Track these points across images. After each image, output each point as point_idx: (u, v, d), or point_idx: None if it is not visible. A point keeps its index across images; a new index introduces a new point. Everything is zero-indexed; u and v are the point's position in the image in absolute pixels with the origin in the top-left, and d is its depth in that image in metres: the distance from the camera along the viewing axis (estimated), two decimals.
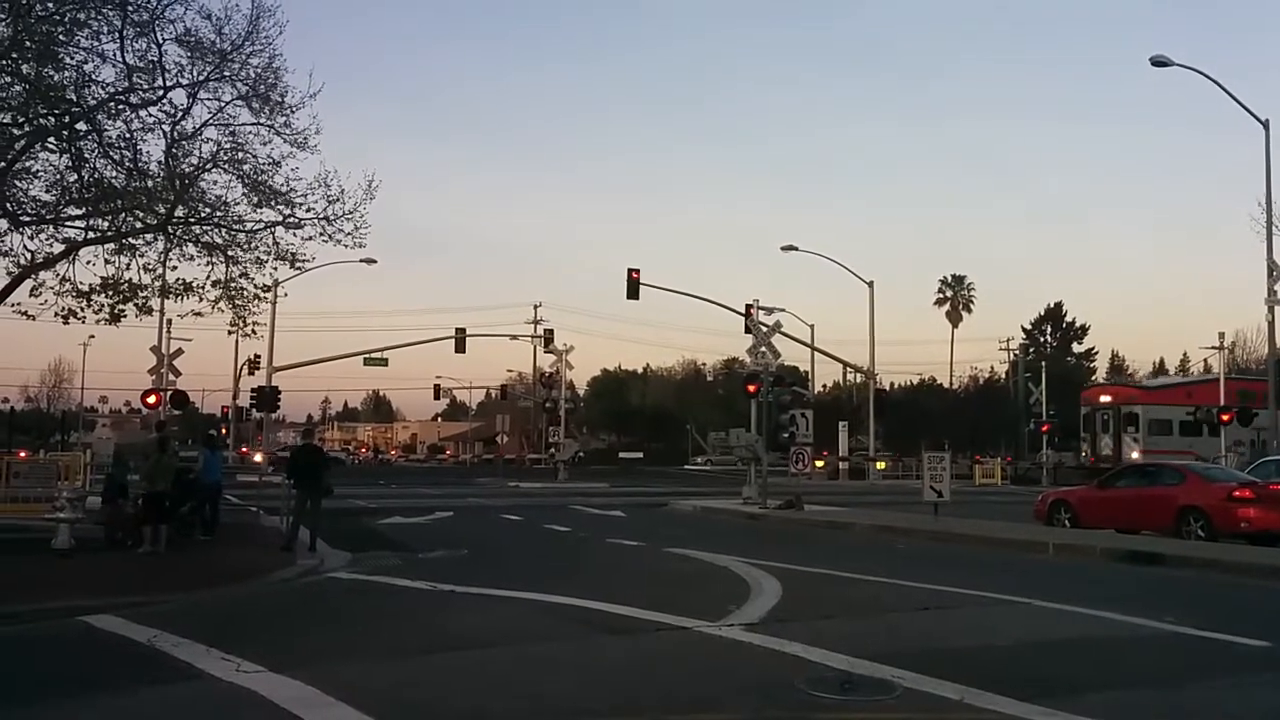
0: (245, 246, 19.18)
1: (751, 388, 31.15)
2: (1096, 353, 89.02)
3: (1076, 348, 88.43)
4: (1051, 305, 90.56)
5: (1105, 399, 55.47)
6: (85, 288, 18.67)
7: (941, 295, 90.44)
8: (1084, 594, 13.30)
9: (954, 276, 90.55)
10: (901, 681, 8.30)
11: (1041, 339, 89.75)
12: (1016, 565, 17.19)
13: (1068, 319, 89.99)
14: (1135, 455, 47.38)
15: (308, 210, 18.99)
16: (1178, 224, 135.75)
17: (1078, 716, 7.37)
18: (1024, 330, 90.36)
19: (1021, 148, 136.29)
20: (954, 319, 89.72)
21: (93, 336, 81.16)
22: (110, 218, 18.37)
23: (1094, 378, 77.97)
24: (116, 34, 16.90)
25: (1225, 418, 43.78)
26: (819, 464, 52.03)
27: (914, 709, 7.78)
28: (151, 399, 32.32)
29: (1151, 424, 51.29)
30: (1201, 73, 27.04)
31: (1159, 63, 26.77)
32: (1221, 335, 51.33)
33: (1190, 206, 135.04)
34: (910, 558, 18.05)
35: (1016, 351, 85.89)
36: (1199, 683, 8.93)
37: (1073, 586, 14.34)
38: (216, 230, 19.00)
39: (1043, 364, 73.91)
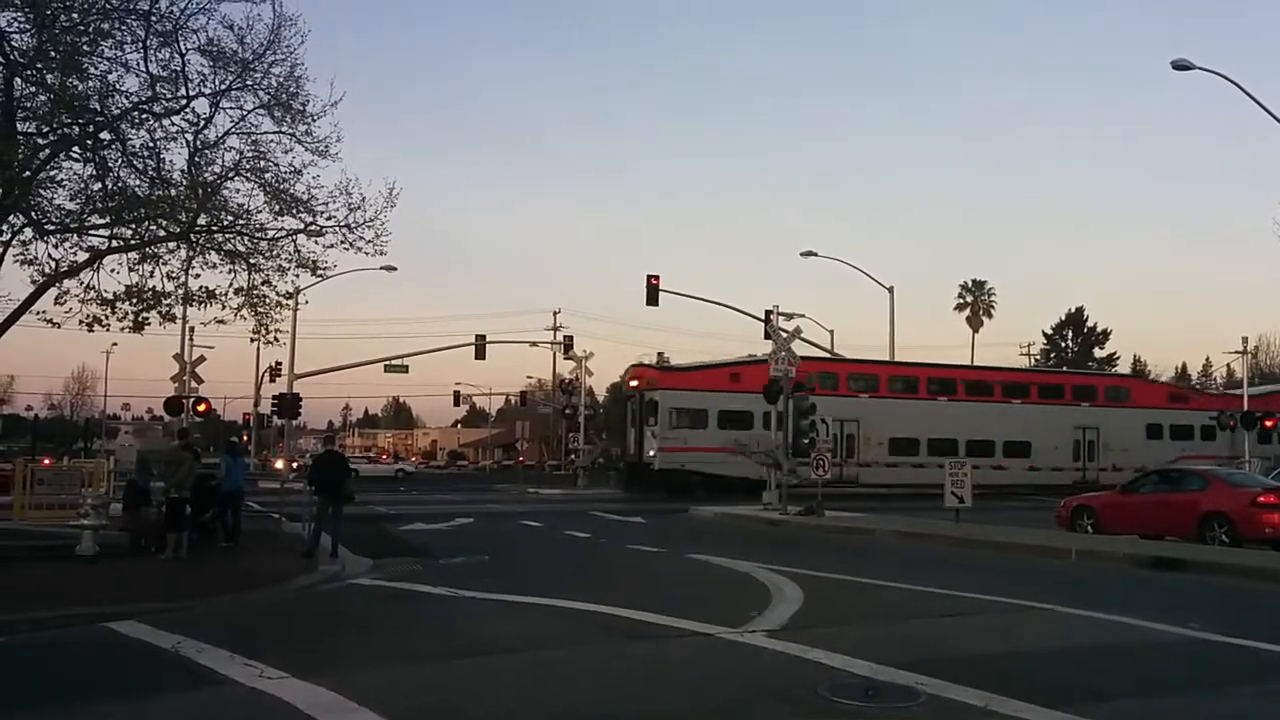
0: (267, 254, 19.30)
1: (770, 394, 31.13)
2: (1118, 358, 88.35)
3: (1098, 353, 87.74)
4: (1073, 310, 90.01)
5: (634, 383, 45.81)
6: (109, 296, 18.82)
7: (962, 300, 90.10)
8: (1107, 600, 13.22)
9: (974, 281, 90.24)
10: (924, 688, 8.27)
11: (1063, 344, 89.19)
12: (1038, 571, 17.09)
13: (1089, 324, 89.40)
14: (652, 452, 41.83)
15: (329, 218, 19.11)
16: (1200, 228, 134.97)
17: None
18: (1045, 335, 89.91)
19: (1041, 152, 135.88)
20: (974, 324, 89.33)
21: (116, 344, 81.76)
22: (134, 226, 18.51)
23: None
24: (140, 44, 17.05)
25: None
26: None
27: (937, 716, 7.75)
28: (200, 406, 32.59)
29: (676, 414, 42.20)
30: (1224, 76, 26.84)
31: (1181, 66, 26.56)
32: (1245, 340, 50.97)
33: (1213, 210, 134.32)
34: (931, 563, 17.96)
35: (1037, 357, 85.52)
36: (1224, 690, 8.86)
37: (1095, 592, 14.25)
38: (239, 238, 19.12)
39: (1063, 369, 73.58)
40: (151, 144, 18.06)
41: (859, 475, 43.55)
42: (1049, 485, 41.31)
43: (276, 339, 21.65)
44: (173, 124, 18.10)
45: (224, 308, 19.43)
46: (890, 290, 51.87)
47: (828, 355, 49.04)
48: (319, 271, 20.09)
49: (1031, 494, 40.24)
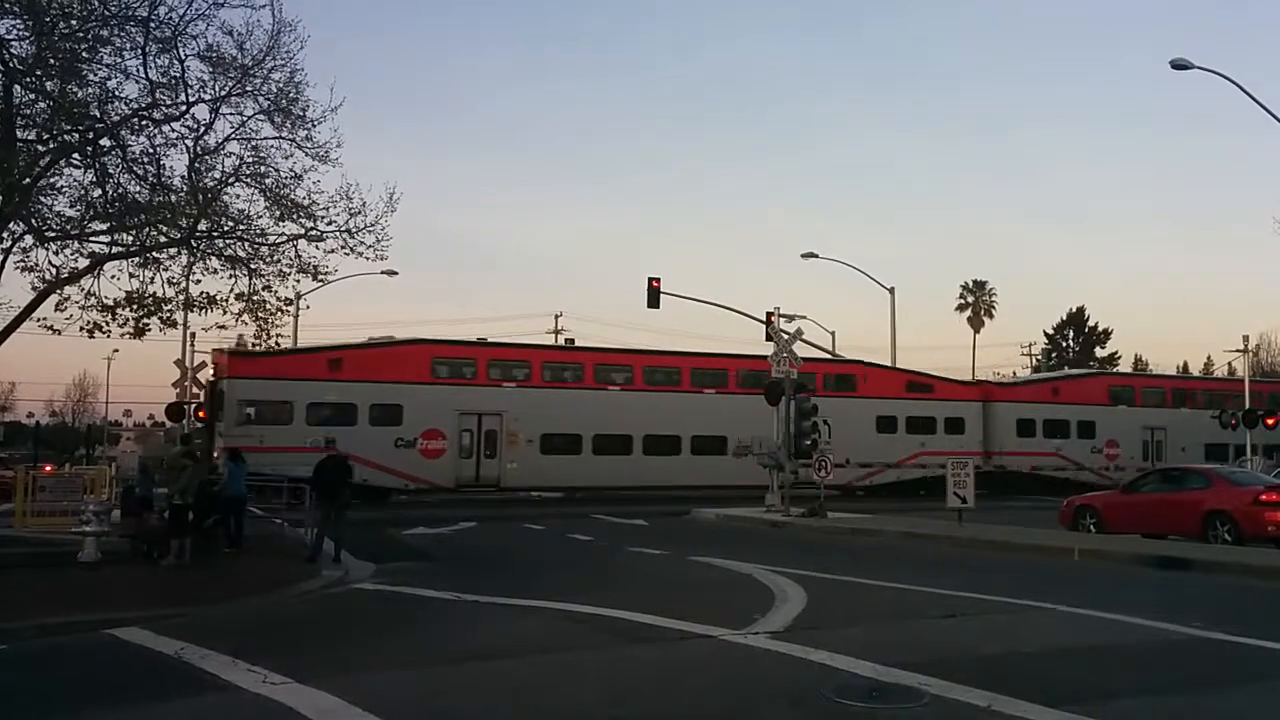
0: (268, 259, 19.30)
1: (772, 396, 31.11)
2: (1120, 357, 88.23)
3: (1099, 352, 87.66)
4: (1074, 310, 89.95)
5: (211, 372, 37.47)
6: (110, 302, 18.82)
7: (963, 300, 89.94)
8: (1111, 599, 13.21)
9: (975, 282, 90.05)
10: (928, 689, 8.27)
11: (1064, 343, 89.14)
12: (1042, 571, 17.07)
13: (1090, 323, 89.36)
14: (216, 453, 30.99)
15: (329, 223, 19.14)
16: (1200, 227, 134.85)
17: None
18: (1046, 335, 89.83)
19: (1042, 152, 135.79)
20: (976, 324, 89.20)
21: (117, 350, 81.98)
22: (134, 232, 18.51)
23: None
24: (139, 50, 17.08)
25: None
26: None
27: (941, 716, 7.74)
28: (202, 412, 32.36)
29: (248, 407, 34.25)
30: (1223, 75, 26.85)
31: (1180, 66, 26.57)
32: (1245, 338, 50.84)
33: (1212, 209, 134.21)
34: (935, 564, 17.95)
35: (1038, 356, 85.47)
36: (1230, 688, 8.86)
37: (1099, 592, 14.25)
38: (239, 244, 19.13)
39: (1065, 369, 73.54)
40: (151, 150, 18.11)
41: (500, 476, 37.42)
42: (755, 486, 33.69)
43: (278, 344, 21.69)
44: (173, 130, 18.14)
45: (225, 313, 19.45)
46: (891, 291, 51.81)
47: (475, 341, 40.80)
48: (320, 276, 20.11)
49: (738, 497, 33.66)
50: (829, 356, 45.18)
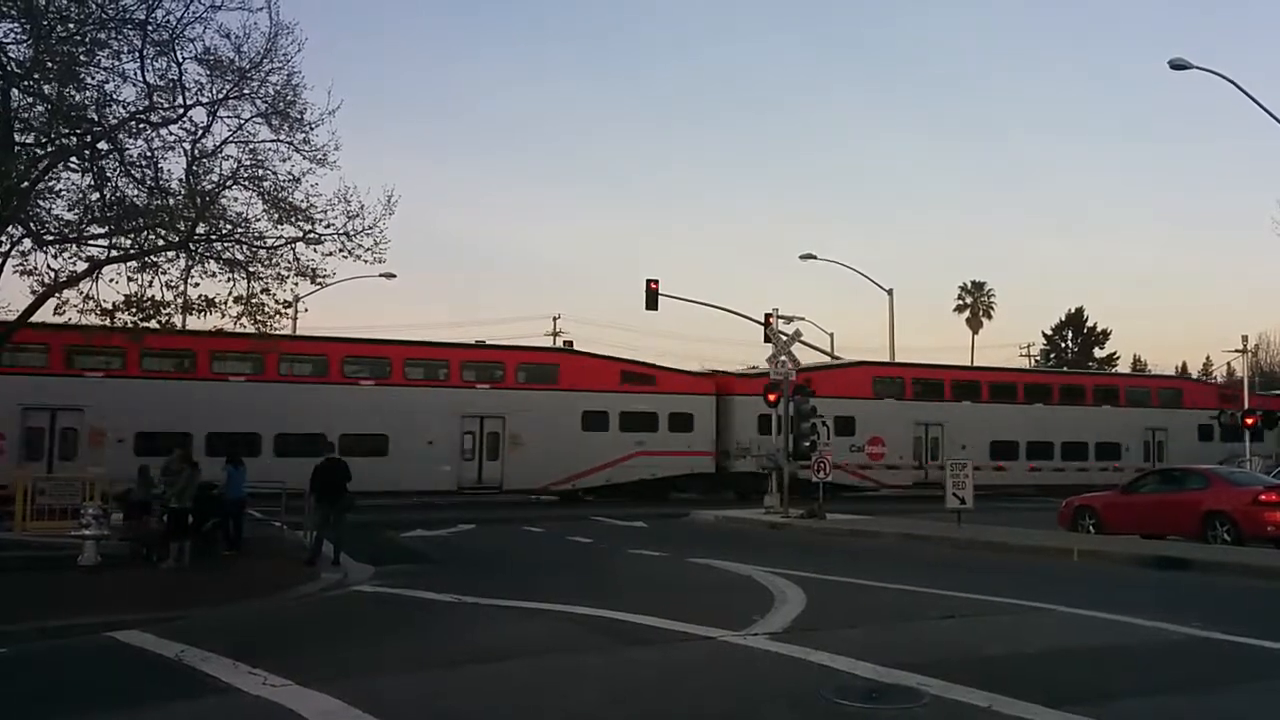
0: (266, 262, 19.30)
1: (772, 397, 31.15)
2: (1118, 358, 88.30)
3: (1098, 353, 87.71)
4: (1072, 311, 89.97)
5: None
6: (108, 305, 18.84)
7: (961, 302, 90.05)
8: (1111, 600, 13.22)
9: (973, 283, 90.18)
10: (928, 690, 8.27)
11: (1063, 344, 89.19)
12: (1041, 572, 17.09)
13: (1089, 324, 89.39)
14: None
15: (327, 226, 19.15)
16: (1200, 227, 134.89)
17: None
18: (1045, 336, 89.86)
19: (1040, 153, 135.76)
20: (974, 325, 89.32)
21: None
22: (132, 236, 18.50)
23: None
24: (137, 54, 17.08)
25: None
26: None
27: (941, 717, 7.75)
28: None
29: None
30: (1221, 75, 26.88)
31: (1178, 66, 26.61)
32: (1245, 339, 50.92)
33: (1212, 209, 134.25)
34: (934, 565, 17.96)
35: (1037, 358, 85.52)
36: (1231, 688, 8.87)
37: (1099, 593, 14.26)
38: (238, 247, 19.13)
39: (1064, 370, 73.62)
40: (149, 153, 18.11)
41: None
42: (432, 491, 31.74)
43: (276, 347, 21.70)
44: (170, 133, 18.15)
45: (223, 316, 19.46)
46: (889, 292, 51.88)
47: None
48: (318, 279, 20.11)
49: (422, 503, 31.66)
50: (528, 346, 41.17)
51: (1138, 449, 46.61)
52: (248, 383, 33.33)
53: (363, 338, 36.93)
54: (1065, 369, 52.69)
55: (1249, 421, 41.52)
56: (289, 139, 18.60)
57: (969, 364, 51.13)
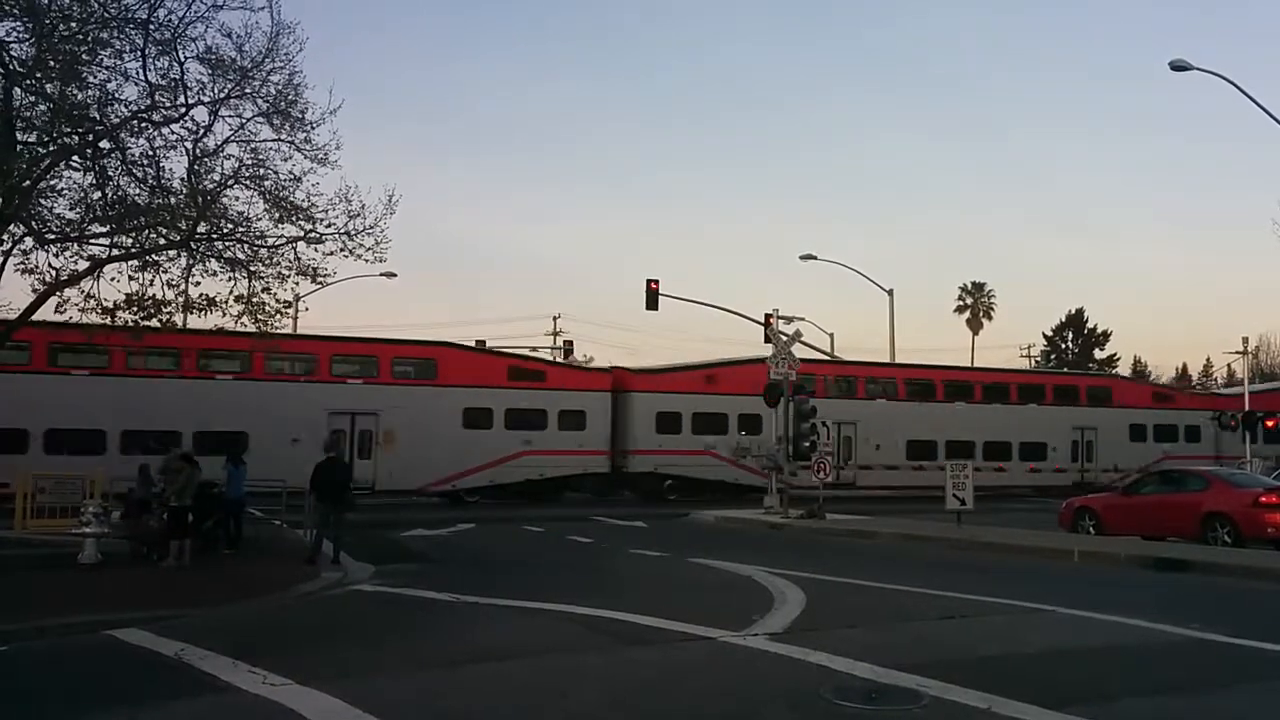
0: (267, 262, 19.30)
1: (771, 397, 31.16)
2: (1119, 359, 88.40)
3: (1098, 354, 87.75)
4: (1073, 312, 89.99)
5: None
6: (110, 304, 18.84)
7: (962, 302, 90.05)
8: (1110, 601, 13.23)
9: (974, 284, 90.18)
10: (928, 691, 8.28)
11: (1063, 345, 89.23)
12: (1041, 573, 17.10)
13: (1089, 325, 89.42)
14: None
15: (328, 225, 19.13)
16: (1199, 228, 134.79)
17: None
18: (1045, 337, 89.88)
19: (1040, 154, 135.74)
20: (974, 326, 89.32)
21: None
22: (134, 235, 18.50)
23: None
24: (139, 53, 17.08)
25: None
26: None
27: (941, 718, 7.75)
28: None
29: None
30: (1222, 76, 26.90)
31: (1179, 67, 26.62)
32: (1245, 340, 50.94)
33: (1213, 210, 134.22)
34: (934, 566, 17.97)
35: (1037, 359, 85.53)
36: (1230, 690, 8.88)
37: (1098, 594, 14.26)
38: (239, 246, 19.12)
39: (1064, 370, 73.66)
40: (151, 152, 18.10)
41: None
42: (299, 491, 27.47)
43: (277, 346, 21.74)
44: (172, 132, 18.14)
45: (224, 315, 19.46)
46: (890, 293, 51.91)
47: None
48: (319, 279, 20.11)
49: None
50: (408, 340, 37.90)
51: (1065, 449, 45.11)
52: (91, 376, 30.65)
53: (225, 329, 28.76)
54: (980, 367, 49.44)
55: (1270, 424, 41.68)
56: (290, 138, 18.61)
57: (887, 361, 47.41)
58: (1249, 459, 40.13)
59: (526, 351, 45.15)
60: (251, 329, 19.82)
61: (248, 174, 18.74)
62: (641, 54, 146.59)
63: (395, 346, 36.72)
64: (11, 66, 16.58)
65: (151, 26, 16.90)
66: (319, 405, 33.01)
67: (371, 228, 19.23)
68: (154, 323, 19.27)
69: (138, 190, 18.14)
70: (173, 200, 18.18)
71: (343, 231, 19.17)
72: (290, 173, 18.77)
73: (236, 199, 19.09)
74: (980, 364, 70.05)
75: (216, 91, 17.97)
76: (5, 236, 17.44)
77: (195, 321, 22.37)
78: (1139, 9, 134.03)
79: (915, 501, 34.55)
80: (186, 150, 18.33)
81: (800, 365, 41.78)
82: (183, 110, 17.93)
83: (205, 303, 19.41)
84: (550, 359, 41.14)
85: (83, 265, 18.44)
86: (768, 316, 36.58)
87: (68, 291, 18.54)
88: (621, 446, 38.57)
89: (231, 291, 19.30)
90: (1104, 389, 49.02)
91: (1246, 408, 44.88)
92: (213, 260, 19.14)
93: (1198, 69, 26.74)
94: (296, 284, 20.18)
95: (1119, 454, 44.83)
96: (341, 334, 36.87)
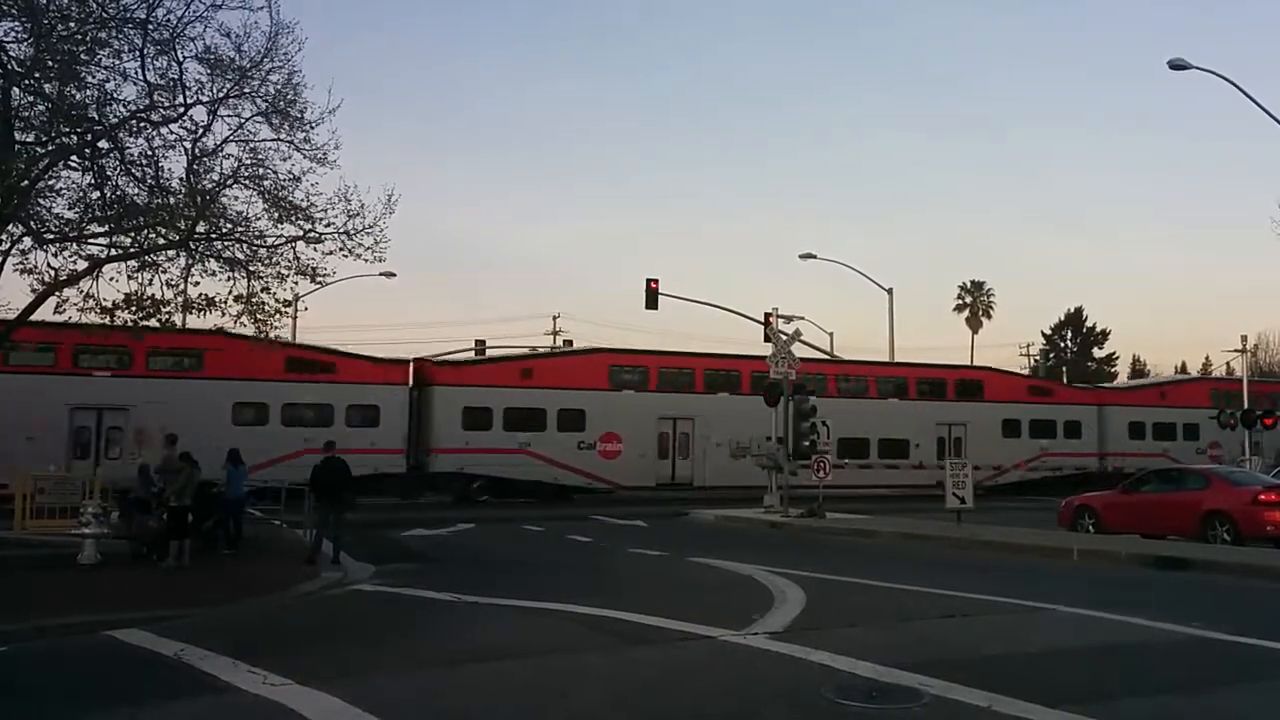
0: (266, 261, 19.29)
1: (772, 397, 31.16)
2: (1118, 357, 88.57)
3: (1097, 352, 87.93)
4: (1072, 310, 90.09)
5: None
6: (108, 304, 18.83)
7: (961, 301, 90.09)
8: (1110, 600, 13.23)
9: (973, 282, 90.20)
10: (929, 689, 8.28)
11: (1062, 344, 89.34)
12: (1041, 571, 17.10)
13: (1088, 324, 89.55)
14: None
15: (328, 225, 19.12)
16: (1197, 227, 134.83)
17: None
18: (1044, 335, 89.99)
19: (1039, 153, 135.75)
20: (974, 325, 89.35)
21: None
22: (133, 234, 18.50)
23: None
24: (138, 52, 17.07)
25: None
26: None
27: (942, 717, 7.75)
28: None
29: None
30: (1221, 75, 26.88)
31: (1177, 66, 26.61)
32: (1244, 338, 50.92)
33: (1211, 209, 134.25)
34: (934, 565, 17.97)
35: (1036, 357, 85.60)
36: (1231, 688, 8.87)
37: (1099, 592, 14.26)
38: (238, 246, 19.12)
39: (1063, 369, 73.74)
40: (150, 152, 18.09)
41: None
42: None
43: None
44: (171, 132, 18.14)
45: (223, 315, 19.44)
46: (889, 292, 51.90)
47: None
48: (318, 278, 20.09)
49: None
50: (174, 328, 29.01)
51: (929, 446, 42.49)
52: None
53: None
54: (838, 359, 44.92)
55: (1268, 421, 41.52)
56: (289, 138, 18.61)
57: (731, 353, 42.24)
58: (1248, 456, 40.05)
59: (526, 351, 43.53)
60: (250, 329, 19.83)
61: (247, 174, 18.74)
62: (640, 53, 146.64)
63: (155, 336, 27.61)
64: (10, 66, 16.57)
65: (150, 26, 16.90)
66: (60, 400, 30.56)
67: (371, 227, 19.24)
68: (153, 322, 19.27)
69: (136, 190, 18.14)
70: (171, 200, 18.18)
71: (342, 231, 19.17)
72: (289, 172, 18.78)
73: (235, 199, 19.10)
74: (980, 363, 69.83)
75: (215, 91, 17.98)
76: (4, 236, 17.43)
77: (194, 322, 22.34)
78: (1138, 8, 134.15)
79: (754, 504, 32.00)
80: (185, 150, 18.33)
81: (634, 356, 39.86)
82: (181, 110, 17.93)
83: (204, 303, 19.40)
84: (341, 350, 36.57)
85: (81, 265, 18.44)
86: (767, 316, 36.56)
87: (66, 291, 18.54)
88: (424, 445, 35.78)
89: (231, 291, 19.30)
90: (975, 382, 46.14)
91: (1246, 405, 44.79)
92: (212, 260, 19.14)
93: (1196, 68, 26.74)
94: (296, 284, 20.15)
95: (991, 451, 42.66)
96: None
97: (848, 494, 35.00)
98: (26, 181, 16.92)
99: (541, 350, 39.15)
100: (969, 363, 65.06)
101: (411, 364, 37.35)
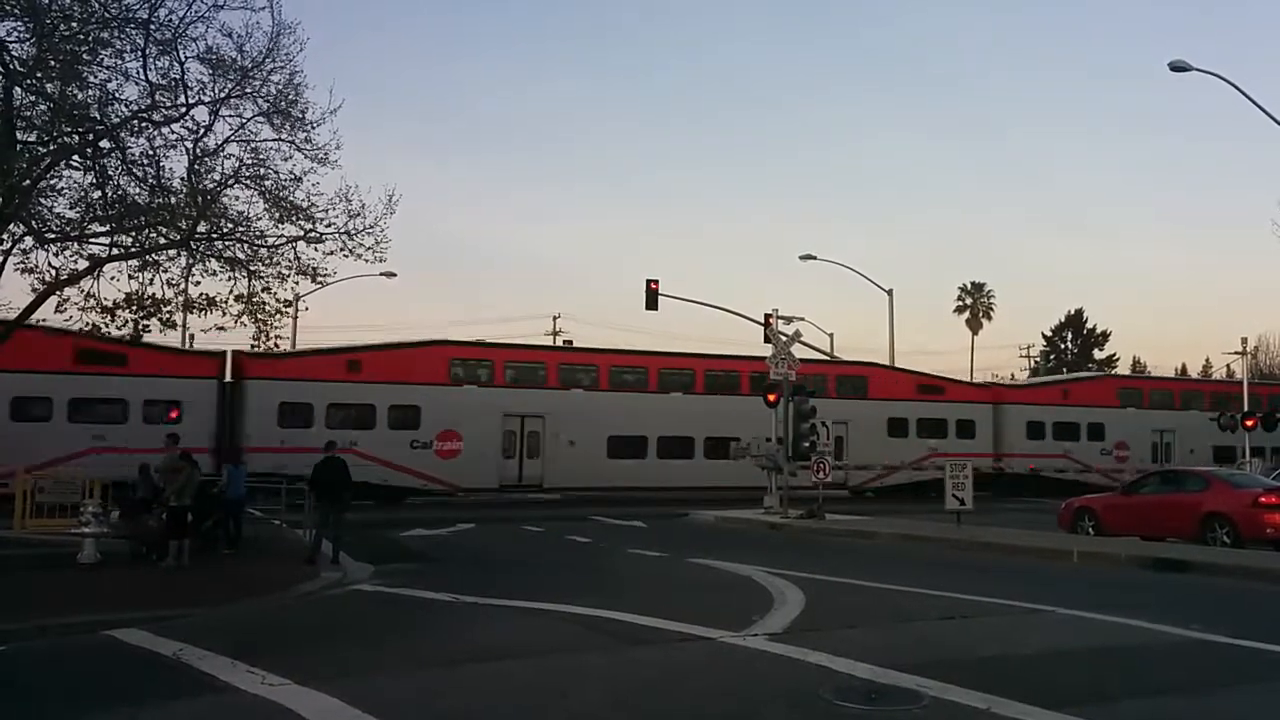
0: (267, 261, 19.29)
1: (771, 397, 31.17)
2: (1118, 359, 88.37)
3: (1098, 354, 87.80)
4: (1072, 312, 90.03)
5: None
6: (109, 303, 18.83)
7: (961, 303, 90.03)
8: (1110, 602, 13.23)
9: (973, 284, 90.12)
10: (928, 691, 8.28)
11: (1062, 345, 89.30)
12: (1041, 573, 17.11)
13: (1089, 325, 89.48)
14: None
15: (328, 225, 19.12)
16: (1198, 229, 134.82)
17: None
18: (1045, 337, 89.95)
19: (1040, 154, 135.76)
20: (974, 326, 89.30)
21: None
22: (134, 234, 18.51)
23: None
24: (139, 52, 17.07)
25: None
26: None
27: (940, 718, 7.75)
28: None
29: None
30: (1221, 77, 26.90)
31: (1178, 68, 26.62)
32: (1244, 340, 50.80)
33: (1210, 211, 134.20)
34: (933, 566, 17.97)
35: (1037, 359, 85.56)
36: (1229, 690, 8.88)
37: (1098, 594, 14.26)
38: (239, 245, 19.12)
39: (1064, 370, 73.67)
40: (151, 152, 18.08)
41: None
42: None
43: (277, 345, 21.78)
44: (172, 132, 18.13)
45: (224, 315, 19.43)
46: (889, 293, 51.90)
47: None
48: (319, 278, 20.10)
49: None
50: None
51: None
52: None
53: None
54: (709, 354, 41.76)
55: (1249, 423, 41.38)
56: (290, 138, 18.61)
57: (588, 347, 41.02)
58: (1248, 459, 40.03)
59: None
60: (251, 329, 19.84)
61: (248, 174, 18.74)
62: (640, 53, 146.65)
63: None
64: (12, 66, 16.57)
65: (152, 26, 16.90)
66: None
67: (371, 227, 19.24)
68: (154, 322, 19.28)
69: (138, 190, 18.14)
70: (173, 200, 18.18)
71: (343, 231, 19.17)
72: (290, 172, 18.78)
73: (236, 199, 19.09)
74: (980, 365, 69.75)
75: (217, 91, 17.97)
76: (5, 236, 17.43)
77: (195, 322, 22.36)
78: (1138, 8, 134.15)
79: (624, 504, 31.79)
80: (187, 150, 18.33)
81: (476, 349, 37.44)
82: (183, 110, 17.93)
83: (205, 302, 19.40)
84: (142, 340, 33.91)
85: (82, 265, 18.44)
86: (767, 316, 36.52)
87: (67, 291, 18.54)
88: (250, 443, 31.63)
89: (231, 291, 19.30)
90: (859, 379, 43.34)
91: (1245, 406, 44.76)
92: (213, 260, 19.14)
93: (1197, 69, 26.75)
94: (297, 284, 20.16)
95: (876, 451, 40.94)
96: None
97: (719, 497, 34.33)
98: (28, 181, 16.93)
99: (385, 343, 36.65)
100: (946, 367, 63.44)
101: (229, 355, 34.16)
